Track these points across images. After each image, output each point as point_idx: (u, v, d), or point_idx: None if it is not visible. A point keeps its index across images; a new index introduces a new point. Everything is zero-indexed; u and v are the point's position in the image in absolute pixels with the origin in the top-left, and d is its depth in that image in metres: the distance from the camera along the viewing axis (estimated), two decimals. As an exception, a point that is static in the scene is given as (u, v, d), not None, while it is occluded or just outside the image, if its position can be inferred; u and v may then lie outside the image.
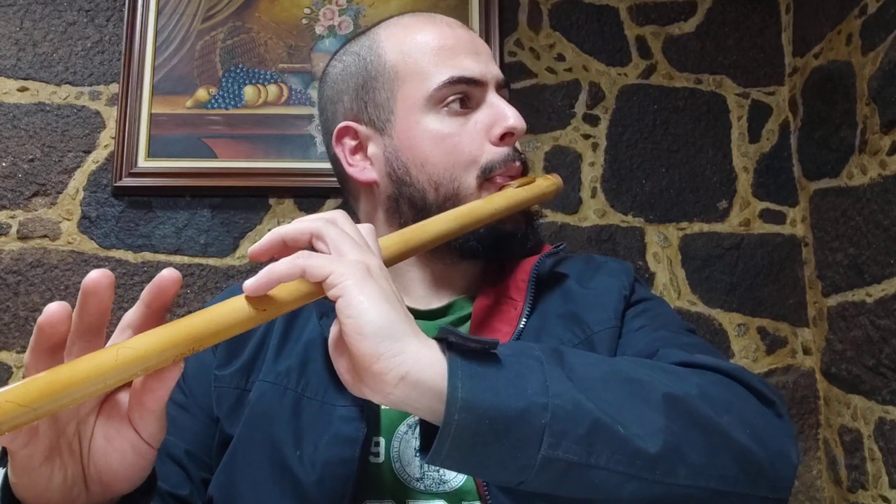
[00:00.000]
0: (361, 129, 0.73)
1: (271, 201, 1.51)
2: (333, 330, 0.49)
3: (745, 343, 1.51)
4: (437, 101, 0.70)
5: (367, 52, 0.74)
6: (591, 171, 1.57)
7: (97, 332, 0.46)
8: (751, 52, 1.63)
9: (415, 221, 0.69)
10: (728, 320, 1.52)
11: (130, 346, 0.42)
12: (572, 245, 1.51)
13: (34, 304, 1.42)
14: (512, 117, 0.71)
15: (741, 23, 1.64)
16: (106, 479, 0.47)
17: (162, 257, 1.47)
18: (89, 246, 1.46)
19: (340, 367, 0.49)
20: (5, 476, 0.47)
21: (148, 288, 0.47)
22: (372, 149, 0.73)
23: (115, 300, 1.48)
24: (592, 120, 1.59)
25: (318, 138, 1.51)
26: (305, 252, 0.48)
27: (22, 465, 0.44)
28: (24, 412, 0.37)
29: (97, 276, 0.45)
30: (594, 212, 1.55)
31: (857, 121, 1.37)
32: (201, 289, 1.46)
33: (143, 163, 1.47)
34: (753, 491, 0.51)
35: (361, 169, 0.74)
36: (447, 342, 0.47)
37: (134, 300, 1.53)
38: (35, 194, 1.47)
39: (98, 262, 1.45)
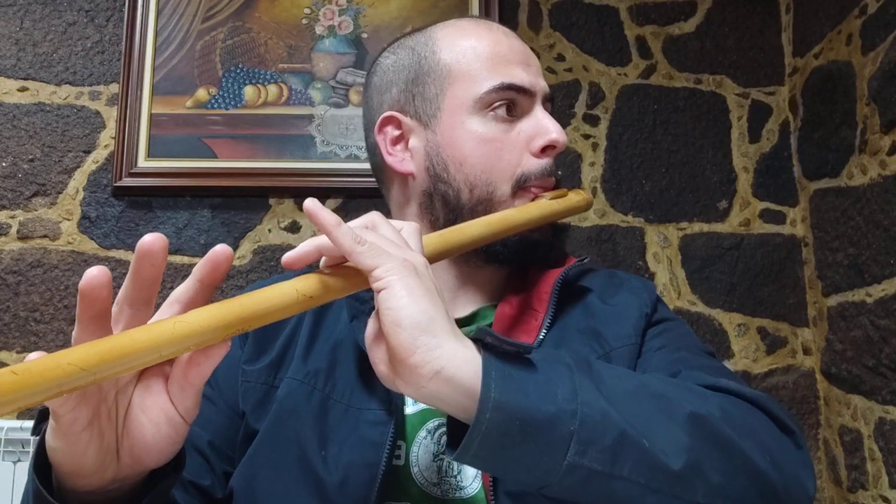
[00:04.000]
0: (406, 120, 0.74)
1: (271, 201, 1.51)
2: (372, 322, 0.50)
3: (745, 343, 1.51)
4: (484, 104, 0.71)
5: (423, 48, 0.75)
6: (591, 171, 1.57)
7: (147, 302, 0.46)
8: (751, 52, 1.63)
9: (445, 219, 0.71)
10: (728, 320, 1.52)
11: (186, 320, 0.43)
12: (572, 245, 1.51)
13: (34, 304, 1.42)
14: (555, 131, 0.72)
15: (741, 23, 1.64)
16: (138, 450, 0.48)
17: (162, 257, 1.47)
18: (89, 246, 1.46)
19: (376, 357, 0.50)
20: (41, 441, 0.48)
21: (201, 263, 0.48)
22: (414, 141, 0.74)
23: (114, 300, 1.46)
24: (592, 120, 1.59)
25: (319, 138, 1.51)
26: (359, 235, 0.48)
27: (65, 429, 0.44)
28: (84, 375, 0.38)
29: (152, 239, 0.45)
30: (594, 212, 1.55)
31: (857, 121, 1.37)
32: (201, 289, 1.46)
33: (143, 163, 1.47)
34: None
35: (401, 160, 0.74)
36: (483, 343, 0.48)
37: (134, 300, 1.53)
38: (35, 194, 1.47)
39: (98, 263, 1.45)
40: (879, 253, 1.30)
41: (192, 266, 1.46)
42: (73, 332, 0.44)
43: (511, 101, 0.72)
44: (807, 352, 1.52)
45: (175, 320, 0.43)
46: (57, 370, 0.38)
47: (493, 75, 0.71)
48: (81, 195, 1.48)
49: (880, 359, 1.29)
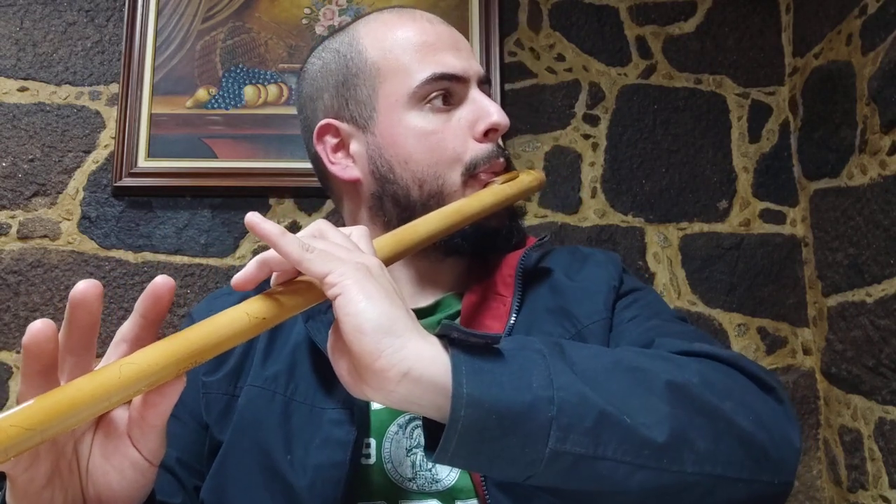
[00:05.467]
0: (343, 126, 0.73)
1: (271, 201, 1.51)
2: (331, 332, 0.49)
3: (745, 343, 1.51)
4: (419, 97, 0.69)
5: (347, 48, 0.73)
6: (591, 171, 1.57)
7: (88, 346, 0.44)
8: (751, 52, 1.63)
9: (399, 219, 0.69)
10: (728, 320, 1.52)
11: (133, 361, 0.41)
12: (572, 245, 1.51)
13: (34, 304, 1.42)
14: (495, 113, 0.70)
15: (741, 23, 1.64)
16: (105, 498, 0.46)
17: (162, 257, 1.47)
18: (89, 246, 1.46)
19: (341, 368, 0.48)
20: (2, 500, 0.46)
21: (142, 298, 0.46)
22: (354, 146, 0.72)
23: (115, 300, 1.48)
24: (592, 120, 1.59)
25: (318, 138, 1.51)
26: (307, 243, 0.47)
27: (23, 490, 0.43)
28: (30, 436, 0.36)
29: (84, 287, 0.43)
30: (594, 212, 1.55)
31: (857, 121, 1.37)
32: (201, 289, 1.46)
33: (143, 163, 1.47)
34: (758, 476, 0.51)
35: (344, 167, 0.73)
36: (449, 338, 0.47)
37: (134, 300, 1.53)
38: (35, 194, 1.47)
39: (98, 262, 1.45)
40: (879, 253, 1.30)
41: (192, 266, 1.46)
42: (18, 389, 0.43)
43: (446, 90, 0.70)
44: (807, 352, 1.52)
45: (121, 363, 0.40)
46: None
47: (423, 66, 0.69)
48: (81, 195, 1.48)
49: (880, 359, 1.29)
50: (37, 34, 1.53)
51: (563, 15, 1.63)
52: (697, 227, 1.56)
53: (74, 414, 0.38)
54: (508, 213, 0.73)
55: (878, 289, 1.30)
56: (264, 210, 1.51)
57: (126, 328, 0.46)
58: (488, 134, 0.71)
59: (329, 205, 1.52)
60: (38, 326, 0.41)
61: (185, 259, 1.47)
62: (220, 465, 0.65)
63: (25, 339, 0.41)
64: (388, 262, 0.56)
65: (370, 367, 0.44)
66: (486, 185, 0.70)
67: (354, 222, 0.75)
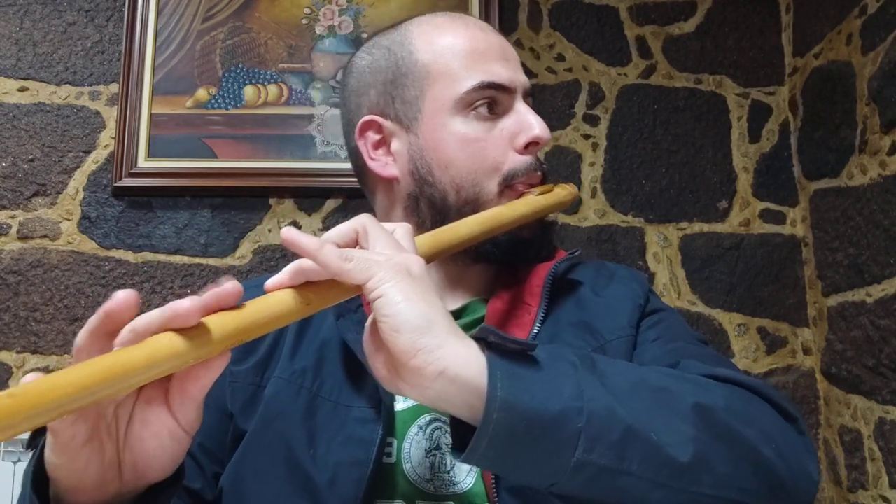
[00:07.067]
0: (387, 123, 0.73)
1: (271, 201, 1.51)
2: (367, 328, 0.50)
3: (745, 343, 1.51)
4: (465, 104, 0.70)
5: (399, 47, 0.74)
6: (591, 171, 1.57)
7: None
8: (751, 52, 1.63)
9: (432, 221, 0.71)
10: (728, 320, 1.52)
11: (185, 334, 0.42)
12: (572, 245, 1.51)
13: (34, 304, 1.42)
14: (537, 127, 0.71)
15: (741, 23, 1.64)
16: (140, 465, 0.47)
17: (162, 257, 1.47)
18: (89, 246, 1.46)
19: (376, 362, 0.49)
20: (39, 455, 0.48)
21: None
22: (396, 145, 0.73)
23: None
24: (592, 120, 1.59)
25: (319, 138, 1.51)
26: (345, 252, 0.48)
27: (63, 446, 0.44)
28: (83, 396, 0.38)
29: (124, 297, 0.44)
30: (594, 212, 1.55)
31: (857, 121, 1.37)
32: (201, 289, 1.46)
33: (143, 163, 1.47)
34: None
35: (383, 164, 0.74)
36: (486, 341, 0.48)
37: (134, 300, 1.53)
38: (35, 194, 1.47)
39: (98, 262, 1.45)
40: (879, 253, 1.30)
41: (192, 266, 1.46)
42: (79, 341, 0.44)
43: (492, 99, 0.71)
44: (807, 352, 1.52)
45: (172, 335, 0.42)
46: (55, 392, 0.37)
47: (472, 74, 0.70)
48: (81, 195, 1.48)
49: (880, 359, 1.29)
50: (37, 34, 1.53)
51: (563, 15, 1.63)
52: (697, 227, 1.56)
53: (127, 379, 0.40)
54: (540, 224, 0.74)
55: (878, 289, 1.30)
56: (264, 210, 1.51)
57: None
58: (529, 147, 0.72)
59: (329, 205, 1.52)
60: (123, 296, 0.43)
61: (185, 259, 1.47)
62: (242, 454, 0.66)
63: (109, 303, 0.43)
64: (427, 261, 0.57)
65: (406, 365, 0.45)
66: (521, 195, 0.72)
67: (387, 219, 0.76)
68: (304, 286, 0.48)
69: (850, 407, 1.39)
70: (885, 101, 1.28)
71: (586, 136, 1.58)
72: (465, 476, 0.63)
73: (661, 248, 1.55)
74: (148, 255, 1.47)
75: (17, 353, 1.41)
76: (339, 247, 0.49)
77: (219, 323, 0.44)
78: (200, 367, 0.45)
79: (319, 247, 0.47)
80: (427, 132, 0.71)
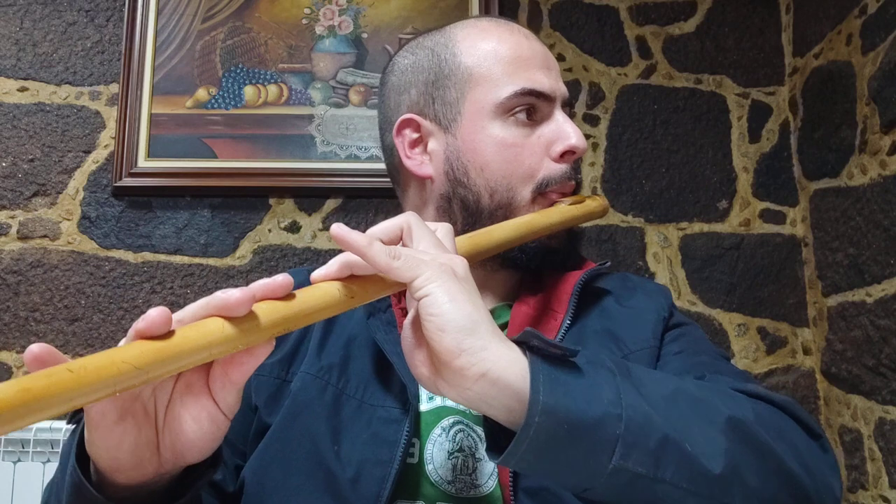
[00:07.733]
0: (425, 123, 0.74)
1: (271, 201, 1.51)
2: (409, 327, 0.50)
3: (745, 343, 1.51)
4: (505, 109, 0.71)
5: (443, 49, 0.75)
6: (591, 171, 1.57)
7: None
8: (751, 52, 1.63)
9: (464, 224, 0.71)
10: (728, 320, 1.52)
11: (235, 322, 0.43)
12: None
13: (34, 304, 1.43)
14: (574, 136, 0.72)
15: (741, 23, 1.64)
16: (179, 447, 0.48)
17: (162, 257, 1.47)
18: (89, 246, 1.46)
19: (415, 359, 0.50)
20: (81, 431, 0.48)
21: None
22: (433, 145, 0.74)
23: (114, 300, 1.48)
24: (592, 120, 1.59)
25: (319, 138, 1.51)
26: (393, 250, 0.48)
27: (95, 422, 0.45)
28: (138, 374, 0.38)
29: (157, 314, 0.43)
30: (594, 212, 1.55)
31: (857, 121, 1.37)
32: (201, 289, 1.46)
33: (143, 163, 1.47)
34: None
35: (419, 163, 0.74)
36: (528, 345, 0.48)
37: (134, 300, 1.53)
38: (35, 194, 1.47)
39: (98, 262, 1.45)
40: (879, 253, 1.30)
41: (192, 266, 1.46)
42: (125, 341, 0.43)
43: (532, 106, 0.72)
44: (807, 352, 1.52)
45: (223, 322, 0.43)
46: (112, 368, 0.37)
47: (514, 80, 0.71)
48: (81, 195, 1.48)
49: (880, 359, 1.29)
50: (37, 34, 1.53)
51: (563, 15, 1.63)
52: (697, 227, 1.56)
53: (177, 361, 0.40)
54: (569, 234, 0.75)
55: (878, 289, 1.30)
56: (264, 210, 1.51)
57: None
58: (564, 156, 0.72)
59: (329, 205, 1.52)
60: (154, 315, 0.41)
61: (185, 259, 1.47)
62: (265, 447, 0.66)
63: (141, 323, 0.41)
64: None
65: (449, 365, 0.46)
66: (552, 203, 0.72)
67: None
68: (349, 279, 0.49)
69: (850, 407, 1.39)
70: (885, 101, 1.28)
71: (586, 136, 1.58)
72: (487, 479, 0.63)
73: (661, 248, 1.54)
74: (148, 255, 1.47)
75: (17, 353, 1.41)
76: (384, 243, 0.50)
77: (267, 311, 0.44)
78: (245, 353, 0.45)
79: (369, 244, 0.48)
80: (465, 134, 0.72)
